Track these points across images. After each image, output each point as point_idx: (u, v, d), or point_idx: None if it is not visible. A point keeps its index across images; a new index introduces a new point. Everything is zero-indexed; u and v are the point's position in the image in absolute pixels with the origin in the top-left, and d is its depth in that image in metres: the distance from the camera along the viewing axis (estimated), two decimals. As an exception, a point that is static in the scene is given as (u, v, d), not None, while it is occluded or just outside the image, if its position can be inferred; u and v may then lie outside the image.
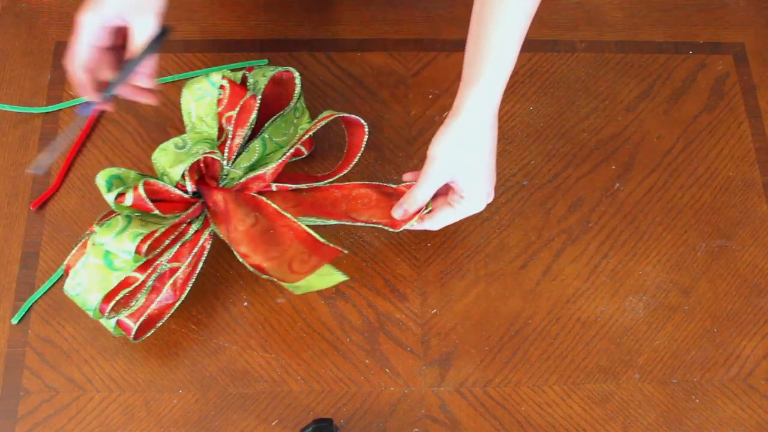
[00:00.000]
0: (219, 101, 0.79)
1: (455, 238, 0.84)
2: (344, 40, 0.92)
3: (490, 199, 0.77)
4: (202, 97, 0.79)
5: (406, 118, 0.89)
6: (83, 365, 0.77)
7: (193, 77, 0.83)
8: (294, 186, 0.80)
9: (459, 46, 0.93)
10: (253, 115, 0.78)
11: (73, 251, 0.74)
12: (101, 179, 0.73)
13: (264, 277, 0.76)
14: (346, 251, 0.77)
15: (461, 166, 0.74)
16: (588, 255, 0.84)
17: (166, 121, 0.87)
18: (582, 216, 0.85)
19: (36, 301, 0.79)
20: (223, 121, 0.79)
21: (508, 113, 0.89)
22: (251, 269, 0.76)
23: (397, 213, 0.78)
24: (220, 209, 0.77)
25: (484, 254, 0.83)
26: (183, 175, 0.75)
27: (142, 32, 0.73)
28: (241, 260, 0.76)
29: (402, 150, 0.87)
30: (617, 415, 0.78)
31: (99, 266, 0.72)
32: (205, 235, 0.77)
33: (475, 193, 0.75)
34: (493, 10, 0.72)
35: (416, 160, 0.87)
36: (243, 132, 0.78)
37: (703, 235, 0.85)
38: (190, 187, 0.76)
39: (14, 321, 0.78)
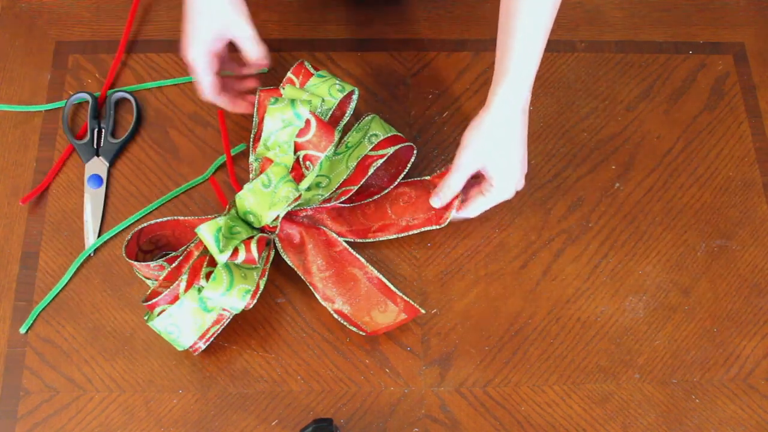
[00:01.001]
0: (300, 132, 0.78)
1: (455, 238, 0.84)
2: (344, 40, 0.92)
3: (520, 187, 0.79)
4: (286, 127, 0.78)
5: (406, 118, 0.89)
6: (83, 365, 0.77)
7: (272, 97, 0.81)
8: (348, 204, 0.82)
9: (459, 46, 0.93)
10: (331, 148, 0.78)
11: (163, 292, 0.75)
12: (209, 235, 0.73)
13: (344, 322, 0.78)
14: (423, 311, 0.78)
15: (490, 157, 0.76)
16: (588, 255, 0.84)
17: (166, 121, 0.87)
18: (582, 216, 0.85)
19: (27, 324, 0.79)
20: (300, 153, 0.79)
21: (508, 113, 0.89)
22: (335, 315, 0.78)
23: (434, 202, 0.80)
24: (294, 242, 0.80)
25: (484, 254, 0.83)
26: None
27: (245, 39, 0.79)
28: (324, 304, 0.78)
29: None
30: (617, 415, 0.78)
31: (195, 309, 0.74)
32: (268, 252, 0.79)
33: (505, 182, 0.77)
34: (517, 7, 0.75)
35: (416, 159, 0.87)
36: (318, 164, 0.79)
37: (703, 235, 0.85)
38: (278, 228, 0.78)
39: (22, 330, 0.78)
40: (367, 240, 0.82)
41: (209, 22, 0.77)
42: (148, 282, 0.78)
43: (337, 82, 0.81)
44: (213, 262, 0.74)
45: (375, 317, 0.78)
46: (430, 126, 0.89)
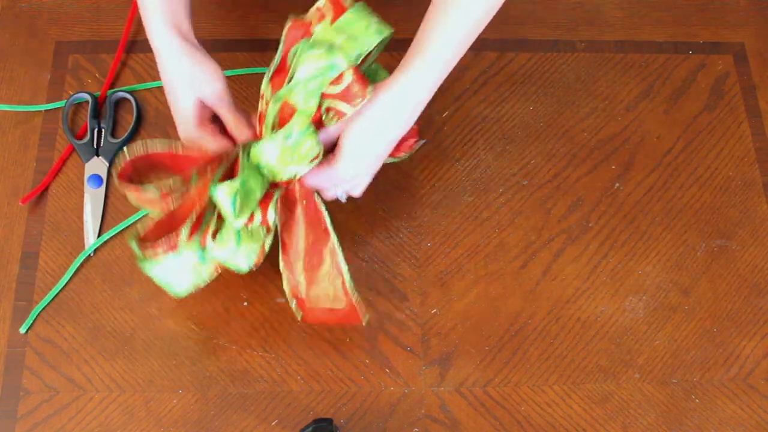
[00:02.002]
0: (333, 81, 0.70)
1: (455, 238, 0.84)
2: (344, 40, 0.92)
3: (352, 182, 0.75)
4: (318, 77, 0.69)
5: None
6: (83, 365, 0.77)
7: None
8: None
9: (459, 46, 0.93)
10: (367, 99, 0.71)
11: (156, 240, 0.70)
12: (227, 199, 0.67)
13: (290, 298, 0.75)
14: (364, 323, 0.75)
15: (347, 127, 0.71)
16: (588, 255, 0.84)
17: (166, 121, 0.87)
18: (582, 216, 0.85)
19: (27, 324, 0.79)
20: (326, 102, 0.71)
21: (508, 113, 0.89)
22: (285, 285, 0.74)
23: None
24: (289, 199, 0.74)
25: (484, 254, 0.83)
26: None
27: (220, 107, 0.75)
28: (283, 271, 0.74)
29: (402, 150, 0.87)
30: (617, 415, 0.78)
31: (193, 262, 0.70)
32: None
33: (344, 160, 0.72)
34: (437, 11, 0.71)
35: (416, 160, 0.87)
36: (339, 121, 0.72)
37: (703, 235, 0.85)
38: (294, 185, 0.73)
39: (22, 330, 0.78)
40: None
41: (188, 96, 0.73)
42: (140, 208, 0.73)
43: (375, 21, 0.72)
44: (220, 218, 0.70)
45: (314, 307, 0.74)
46: (430, 126, 0.89)
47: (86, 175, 0.84)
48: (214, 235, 0.69)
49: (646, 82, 0.92)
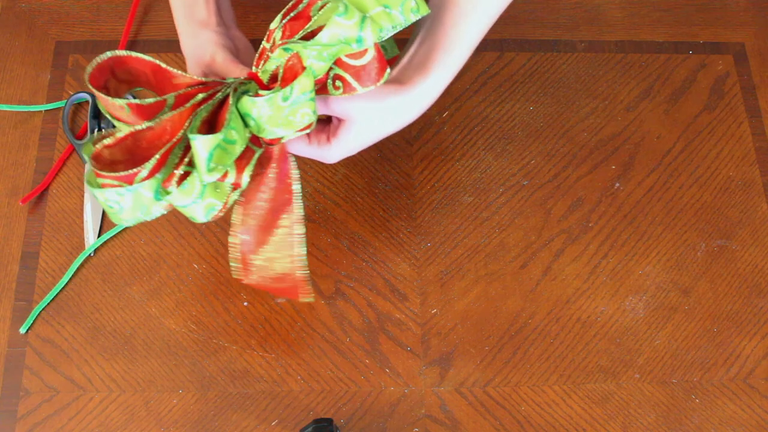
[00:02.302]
0: (353, 54, 0.64)
1: (455, 238, 0.84)
2: (344, 40, 0.92)
3: (334, 156, 0.71)
4: (339, 44, 0.63)
5: (406, 118, 0.89)
6: (83, 365, 0.77)
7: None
8: None
9: (459, 46, 0.93)
10: (368, 89, 0.66)
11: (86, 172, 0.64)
12: (204, 150, 0.60)
13: (231, 255, 0.71)
14: (311, 299, 0.75)
15: (363, 113, 0.68)
16: (588, 255, 0.84)
17: (166, 121, 0.87)
18: (582, 216, 0.85)
19: (27, 325, 0.79)
20: (335, 70, 0.66)
21: (508, 113, 0.89)
22: (231, 242, 0.71)
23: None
24: (266, 154, 0.69)
25: (484, 254, 0.83)
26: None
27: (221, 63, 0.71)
28: (232, 228, 0.70)
29: (402, 150, 0.87)
30: (617, 415, 0.78)
31: (147, 198, 0.63)
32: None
33: (345, 136, 0.69)
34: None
35: (416, 160, 0.87)
36: (357, 91, 0.67)
37: (703, 235, 0.85)
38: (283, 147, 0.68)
39: (22, 330, 0.78)
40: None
41: (192, 50, 0.72)
42: (107, 116, 0.66)
43: None
44: (190, 163, 0.64)
45: (264, 268, 0.70)
46: (430, 126, 0.89)
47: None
48: (179, 182, 0.63)
49: (646, 82, 0.92)
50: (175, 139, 0.62)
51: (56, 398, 0.76)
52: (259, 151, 0.67)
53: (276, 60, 0.65)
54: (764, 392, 0.79)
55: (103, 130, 0.86)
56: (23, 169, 0.85)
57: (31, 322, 0.78)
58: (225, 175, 0.64)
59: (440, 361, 0.79)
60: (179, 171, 0.63)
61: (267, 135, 0.65)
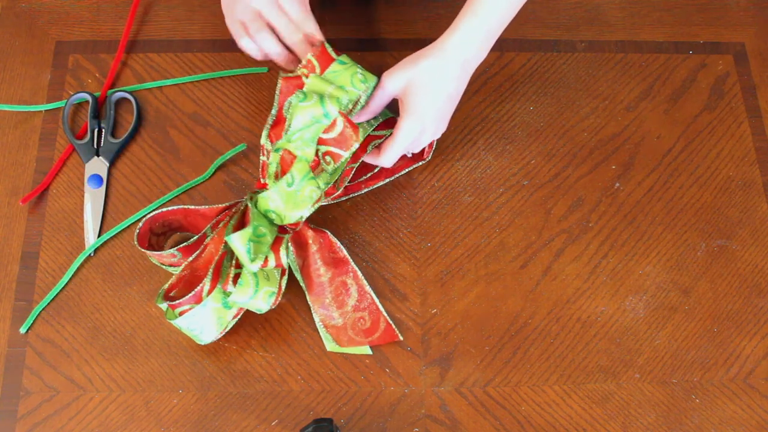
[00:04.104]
0: (326, 129, 0.77)
1: (455, 238, 0.84)
2: (344, 40, 0.92)
3: (428, 138, 0.80)
4: (313, 125, 0.77)
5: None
6: (83, 365, 0.77)
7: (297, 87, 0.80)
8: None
9: (459, 46, 0.93)
10: (351, 151, 0.78)
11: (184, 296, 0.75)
12: (241, 246, 0.73)
13: (322, 329, 0.79)
14: (401, 338, 0.79)
15: (413, 82, 0.77)
16: (588, 255, 0.84)
17: (166, 121, 0.87)
18: (582, 216, 0.85)
19: (27, 325, 0.79)
20: (322, 149, 0.78)
21: (508, 113, 0.89)
22: (316, 318, 0.79)
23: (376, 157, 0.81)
24: (300, 240, 0.80)
25: (484, 254, 0.83)
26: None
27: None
28: (312, 306, 0.79)
29: (402, 150, 0.87)
30: (617, 415, 0.78)
31: (217, 309, 0.74)
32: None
33: (415, 116, 0.77)
34: None
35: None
36: (346, 156, 0.78)
37: (703, 235, 0.85)
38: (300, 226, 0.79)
39: (22, 330, 0.78)
40: (362, 192, 0.83)
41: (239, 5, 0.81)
42: (162, 266, 0.79)
43: (359, 70, 0.79)
44: (238, 265, 0.75)
45: (352, 333, 0.79)
46: (430, 126, 0.88)
47: (86, 175, 0.84)
48: (234, 281, 0.74)
49: (646, 82, 0.92)
50: (220, 254, 0.75)
51: (56, 398, 0.76)
52: (287, 236, 0.77)
53: (274, 163, 0.78)
54: (764, 392, 0.79)
55: (102, 129, 0.86)
56: (23, 169, 0.85)
57: (31, 322, 0.78)
58: (266, 261, 0.74)
59: (440, 361, 0.79)
60: (232, 272, 0.74)
61: (290, 219, 0.76)
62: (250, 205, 0.77)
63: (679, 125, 0.90)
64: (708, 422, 0.78)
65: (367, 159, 0.81)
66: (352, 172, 0.80)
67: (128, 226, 0.82)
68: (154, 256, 0.78)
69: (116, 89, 0.88)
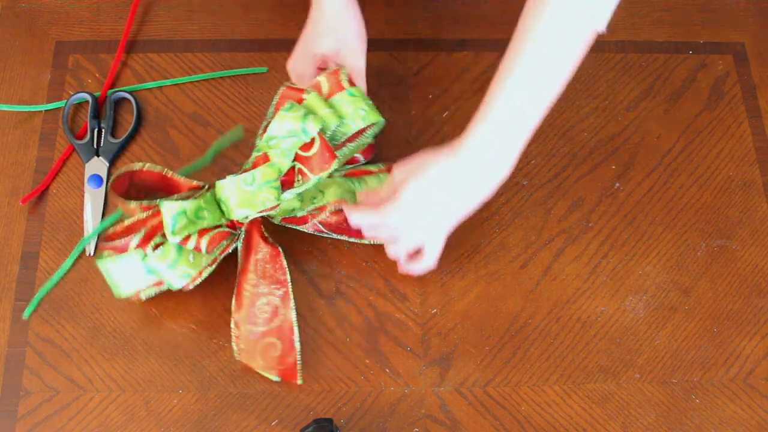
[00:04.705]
0: (304, 146, 0.77)
1: (455, 238, 0.84)
2: (344, 40, 0.92)
3: (405, 244, 0.76)
4: (290, 137, 0.77)
5: (407, 117, 0.89)
6: (83, 365, 0.77)
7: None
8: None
9: (459, 46, 0.93)
10: (323, 175, 0.77)
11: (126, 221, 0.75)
12: (168, 215, 0.73)
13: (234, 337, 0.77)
14: (300, 382, 0.76)
15: (412, 166, 0.74)
16: (588, 255, 0.84)
17: (166, 121, 0.87)
18: (582, 216, 0.85)
19: (31, 308, 0.79)
20: (297, 165, 0.77)
21: (508, 113, 0.89)
22: (232, 326, 0.77)
23: (353, 216, 0.76)
24: (249, 243, 0.78)
25: (484, 254, 0.83)
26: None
27: (353, 72, 0.80)
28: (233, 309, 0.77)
29: (402, 150, 0.87)
30: (617, 415, 0.78)
31: (137, 267, 0.74)
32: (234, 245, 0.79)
33: (401, 197, 0.73)
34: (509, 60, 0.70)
35: (416, 160, 0.87)
36: (313, 181, 0.77)
37: (703, 235, 0.85)
38: (243, 227, 0.78)
39: (25, 316, 0.78)
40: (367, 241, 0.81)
41: (322, 40, 0.79)
42: (126, 215, 0.78)
43: (364, 107, 0.79)
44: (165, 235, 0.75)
45: (259, 357, 0.76)
46: (430, 126, 0.89)
47: (86, 175, 0.84)
48: (155, 247, 0.73)
49: (646, 82, 0.92)
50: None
51: (56, 398, 0.76)
52: (236, 234, 0.77)
53: (250, 161, 0.78)
54: (764, 392, 0.79)
55: (102, 129, 0.86)
56: (23, 169, 0.85)
57: (35, 306, 0.78)
58: (187, 239, 0.74)
59: (440, 361, 0.79)
60: (156, 240, 0.74)
61: (235, 215, 0.76)
62: (206, 188, 0.78)
63: (679, 125, 0.90)
64: (708, 422, 0.78)
65: (339, 203, 0.78)
66: (323, 214, 0.79)
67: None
68: (121, 204, 0.77)
69: (116, 89, 0.88)
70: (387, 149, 0.86)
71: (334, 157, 0.76)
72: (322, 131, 0.76)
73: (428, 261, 0.77)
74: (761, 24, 0.96)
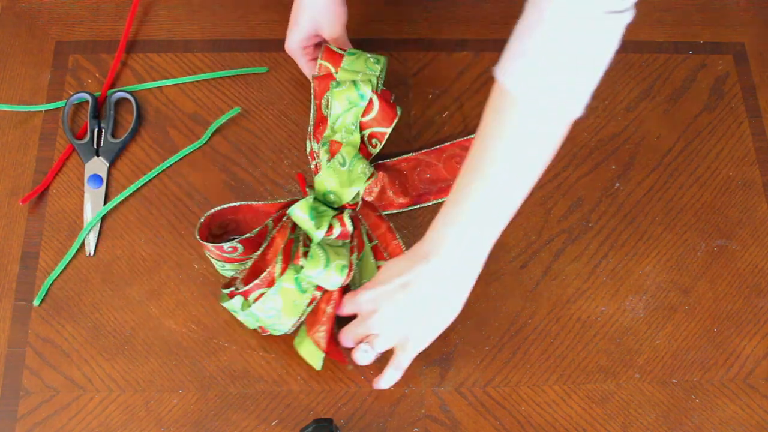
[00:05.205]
0: (364, 111, 0.82)
1: (455, 238, 0.84)
2: (344, 40, 0.92)
3: (381, 343, 0.74)
4: (351, 108, 0.82)
5: (406, 118, 0.89)
6: (83, 365, 0.77)
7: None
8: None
9: (459, 46, 0.93)
10: (396, 120, 0.82)
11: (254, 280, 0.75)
12: (303, 214, 0.75)
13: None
14: (350, 367, 0.77)
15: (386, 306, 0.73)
16: (588, 255, 0.84)
17: (166, 121, 0.87)
18: (582, 216, 0.85)
19: (40, 297, 0.79)
20: (366, 132, 0.82)
21: (508, 113, 0.89)
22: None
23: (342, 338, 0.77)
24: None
25: (484, 254, 0.83)
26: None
27: (332, 42, 0.85)
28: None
29: (402, 150, 0.87)
30: (617, 415, 0.78)
31: (292, 291, 0.74)
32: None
33: (374, 293, 0.74)
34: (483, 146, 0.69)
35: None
36: (382, 143, 0.83)
37: (703, 235, 0.85)
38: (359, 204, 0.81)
39: (36, 303, 0.78)
40: (429, 203, 0.84)
41: (306, 19, 0.83)
42: (217, 264, 0.79)
43: (369, 55, 0.84)
44: (306, 243, 0.76)
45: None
46: (430, 126, 0.88)
47: (86, 175, 0.84)
48: (305, 255, 0.74)
49: (646, 82, 0.92)
50: (286, 241, 0.76)
51: (56, 398, 0.76)
52: (347, 211, 0.80)
53: (324, 156, 0.80)
54: (764, 392, 0.79)
55: (102, 129, 0.86)
56: (23, 169, 0.85)
57: (44, 294, 0.79)
58: (330, 228, 0.76)
59: (440, 361, 0.79)
60: (301, 250, 0.75)
61: (347, 197, 0.79)
62: (308, 190, 0.81)
63: (679, 125, 0.90)
64: (708, 422, 0.78)
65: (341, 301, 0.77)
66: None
67: (129, 226, 0.82)
68: (216, 249, 0.76)
69: (116, 89, 0.88)
70: (387, 149, 0.86)
71: (395, 105, 0.82)
72: (373, 88, 0.81)
73: (396, 373, 0.75)
74: (761, 24, 0.96)
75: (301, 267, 0.74)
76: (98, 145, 0.85)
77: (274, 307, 0.74)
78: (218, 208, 0.78)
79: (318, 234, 0.75)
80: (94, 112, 0.86)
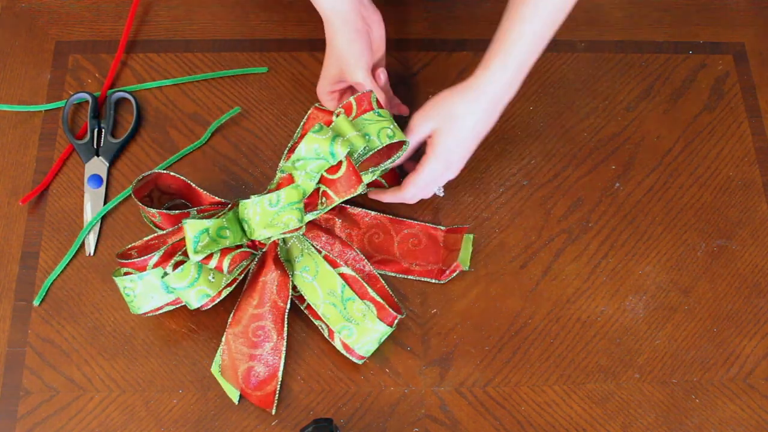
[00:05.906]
0: (330, 168, 0.75)
1: (455, 238, 0.84)
2: (344, 40, 0.92)
3: (451, 175, 0.81)
4: (317, 159, 0.75)
5: (407, 118, 0.89)
6: (83, 365, 0.77)
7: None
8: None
9: (459, 45, 0.93)
10: (354, 194, 0.76)
11: (139, 242, 0.76)
12: (191, 233, 0.72)
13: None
14: (274, 412, 0.77)
15: (444, 121, 0.78)
16: (588, 255, 0.84)
17: (166, 121, 0.87)
18: (582, 216, 0.85)
19: (40, 297, 0.79)
20: (322, 187, 0.76)
21: (508, 113, 0.89)
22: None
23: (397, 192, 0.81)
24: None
25: (484, 254, 0.83)
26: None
27: (359, 87, 0.81)
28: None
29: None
30: (617, 415, 0.78)
31: (155, 286, 0.74)
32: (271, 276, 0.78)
33: (443, 155, 0.78)
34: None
35: (416, 160, 0.87)
36: (336, 203, 0.76)
37: (703, 235, 0.85)
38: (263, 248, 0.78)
39: (36, 303, 0.78)
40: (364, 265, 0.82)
41: (330, 62, 0.81)
42: (147, 221, 0.80)
43: (391, 126, 0.78)
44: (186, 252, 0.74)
45: (234, 373, 0.77)
46: (430, 126, 0.88)
47: (86, 175, 0.84)
48: (175, 266, 0.72)
49: (646, 82, 0.92)
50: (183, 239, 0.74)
51: (56, 398, 0.76)
52: (257, 255, 0.77)
53: (274, 182, 0.78)
54: (764, 392, 0.79)
55: (102, 129, 0.86)
56: (23, 169, 0.85)
57: (44, 294, 0.79)
58: (209, 257, 0.73)
59: (440, 361, 0.79)
60: (176, 258, 0.72)
61: (257, 235, 0.75)
62: (230, 208, 0.77)
63: (679, 125, 0.90)
64: (708, 422, 0.78)
65: (387, 198, 0.81)
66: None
67: (128, 227, 0.82)
68: (142, 209, 0.78)
69: (116, 89, 0.88)
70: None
71: (360, 180, 0.74)
72: (349, 154, 0.74)
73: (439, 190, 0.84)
74: (761, 24, 0.96)
75: (166, 273, 0.72)
76: (98, 145, 0.85)
77: (135, 289, 0.74)
78: (164, 172, 0.78)
79: (192, 257, 0.72)
80: (94, 112, 0.86)
